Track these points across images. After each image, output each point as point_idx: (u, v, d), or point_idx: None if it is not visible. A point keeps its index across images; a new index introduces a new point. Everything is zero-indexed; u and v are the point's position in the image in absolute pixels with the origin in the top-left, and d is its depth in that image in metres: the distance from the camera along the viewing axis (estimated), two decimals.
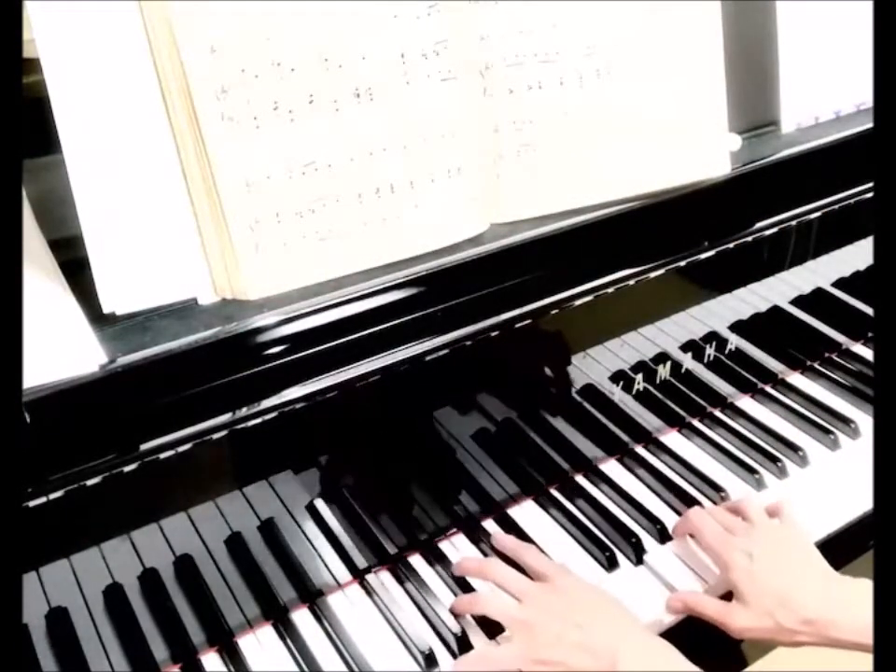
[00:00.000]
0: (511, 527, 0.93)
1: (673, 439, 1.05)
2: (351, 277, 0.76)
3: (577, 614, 0.77)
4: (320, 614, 0.84)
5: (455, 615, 0.83)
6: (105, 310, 0.69)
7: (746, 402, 1.11)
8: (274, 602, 0.83)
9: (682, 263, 0.92)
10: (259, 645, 0.82)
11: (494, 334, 0.82)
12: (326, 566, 0.86)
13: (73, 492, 0.66)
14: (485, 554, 0.90)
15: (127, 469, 0.68)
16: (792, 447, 1.02)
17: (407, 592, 0.87)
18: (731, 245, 0.94)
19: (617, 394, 0.98)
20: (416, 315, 0.77)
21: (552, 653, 0.75)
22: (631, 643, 0.75)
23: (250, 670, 0.80)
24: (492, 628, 0.82)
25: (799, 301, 1.10)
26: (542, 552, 0.89)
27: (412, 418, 0.84)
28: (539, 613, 0.78)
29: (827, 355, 1.18)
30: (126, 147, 0.68)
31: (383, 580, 0.88)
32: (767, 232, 0.97)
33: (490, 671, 0.77)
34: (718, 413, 1.08)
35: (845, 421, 1.06)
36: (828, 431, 1.04)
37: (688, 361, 1.02)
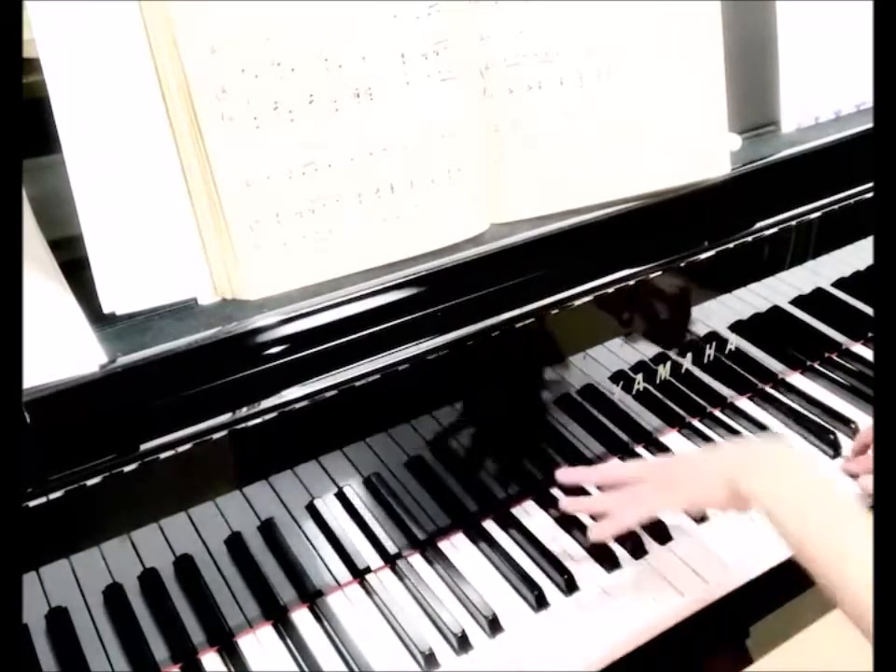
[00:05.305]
0: (513, 526, 0.93)
1: (673, 439, 1.05)
2: (351, 277, 0.76)
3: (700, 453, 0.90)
4: (320, 614, 0.84)
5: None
6: (105, 310, 0.70)
7: (745, 402, 1.11)
8: (274, 602, 0.83)
9: (682, 263, 0.92)
10: (259, 645, 0.82)
11: (494, 334, 0.82)
12: (326, 566, 0.86)
13: (73, 492, 0.66)
14: (485, 554, 0.90)
15: (127, 468, 0.68)
16: None
17: (408, 591, 0.87)
18: (731, 245, 0.94)
19: (617, 394, 0.98)
20: (416, 315, 0.77)
21: (685, 475, 0.83)
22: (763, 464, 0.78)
23: (250, 670, 0.80)
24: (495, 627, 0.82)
25: (799, 301, 1.10)
26: (543, 552, 0.89)
27: (411, 418, 0.84)
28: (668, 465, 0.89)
29: (827, 355, 1.17)
30: (126, 147, 0.68)
31: (383, 579, 0.88)
32: (767, 232, 0.97)
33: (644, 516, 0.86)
34: (718, 413, 1.08)
35: (844, 421, 1.06)
36: (828, 431, 1.04)
37: (688, 361, 1.02)
